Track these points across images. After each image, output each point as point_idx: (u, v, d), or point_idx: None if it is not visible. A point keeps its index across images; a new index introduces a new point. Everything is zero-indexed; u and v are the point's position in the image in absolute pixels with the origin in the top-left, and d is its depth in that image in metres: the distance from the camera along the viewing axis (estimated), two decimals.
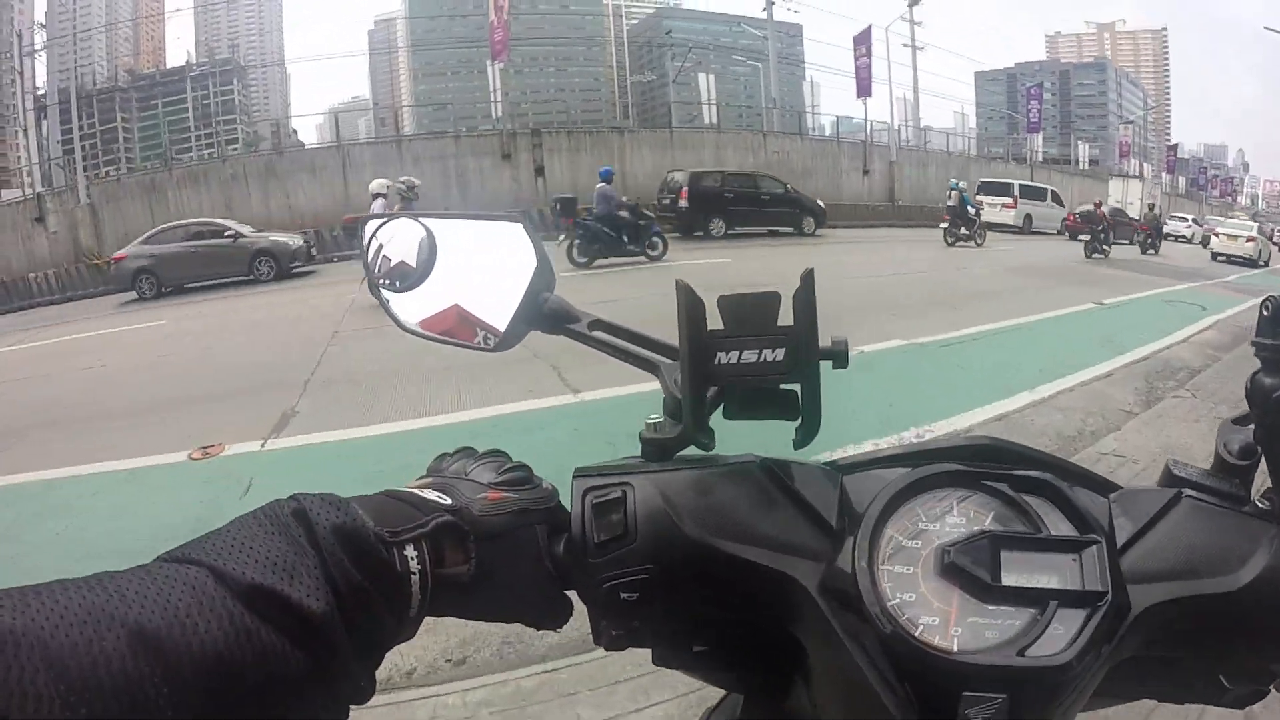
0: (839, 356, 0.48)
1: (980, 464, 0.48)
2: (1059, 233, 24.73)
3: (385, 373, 6.29)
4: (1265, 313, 0.46)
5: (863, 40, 31.99)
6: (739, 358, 0.46)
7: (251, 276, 15.54)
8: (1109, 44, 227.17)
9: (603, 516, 0.47)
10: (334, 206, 21.43)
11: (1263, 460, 0.47)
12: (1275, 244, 23.63)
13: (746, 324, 0.46)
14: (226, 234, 15.88)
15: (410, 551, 0.41)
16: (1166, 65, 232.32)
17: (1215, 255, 20.81)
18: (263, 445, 4.70)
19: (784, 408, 0.48)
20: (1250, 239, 21.04)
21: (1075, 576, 0.42)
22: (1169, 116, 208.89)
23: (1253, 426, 0.47)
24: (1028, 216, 25.39)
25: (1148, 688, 0.50)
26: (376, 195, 11.18)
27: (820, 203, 20.60)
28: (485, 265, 0.57)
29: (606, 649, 0.49)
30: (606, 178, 13.68)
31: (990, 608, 0.42)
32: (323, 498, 0.40)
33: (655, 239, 13.55)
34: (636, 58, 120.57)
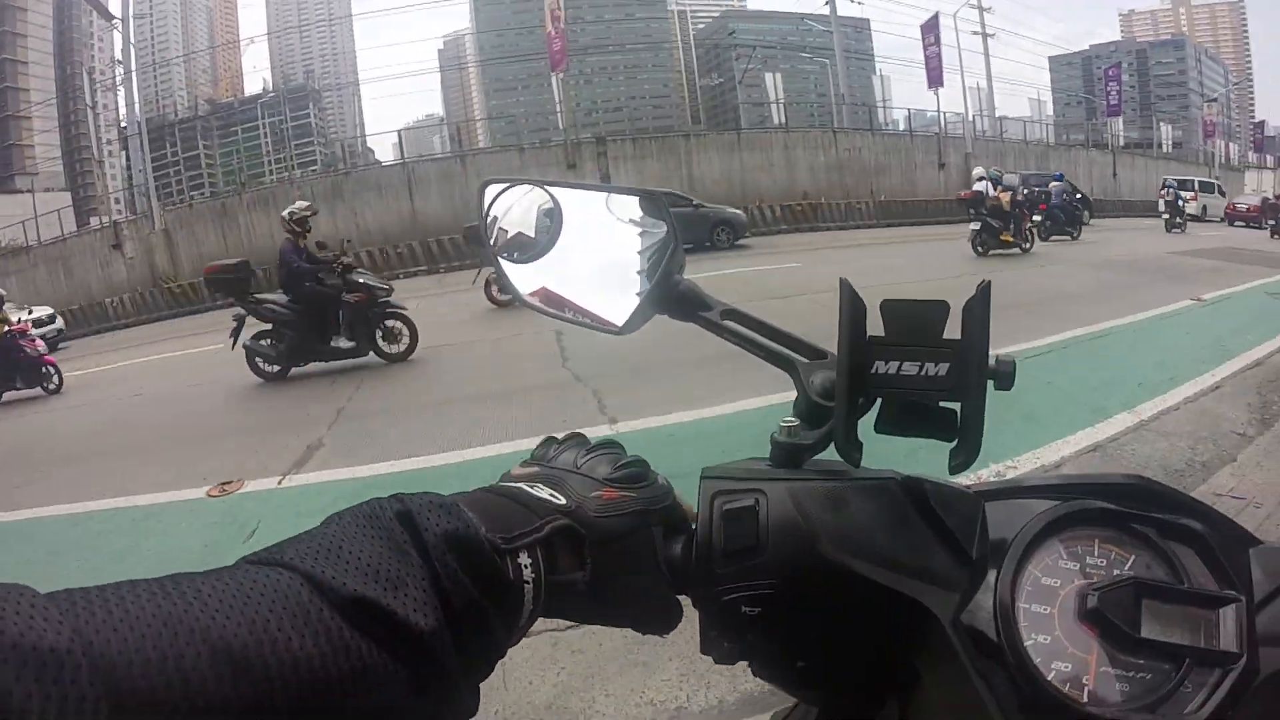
0: (1004, 378, 0.45)
1: (1127, 504, 0.46)
2: (1221, 220, 26.82)
3: (418, 405, 5.98)
4: None
5: (930, 29, 30.72)
6: (899, 368, 0.44)
7: None
8: (1185, 19, 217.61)
9: (733, 524, 0.44)
10: (401, 224, 21.53)
11: None
12: None
13: (910, 333, 0.44)
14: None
15: (525, 559, 0.38)
16: (1246, 37, 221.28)
17: None
18: (280, 482, 4.44)
19: (941, 427, 0.45)
20: None
21: (1212, 634, 0.40)
22: (1252, 93, 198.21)
23: None
24: (1204, 207, 27.90)
25: None
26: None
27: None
28: (614, 241, 0.54)
29: (716, 661, 0.46)
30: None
31: (1126, 659, 0.40)
32: (429, 499, 0.37)
33: None
34: (704, 61, 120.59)
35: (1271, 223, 20.75)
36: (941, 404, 0.45)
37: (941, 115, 28.73)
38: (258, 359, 7.54)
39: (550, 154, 23.97)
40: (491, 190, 0.59)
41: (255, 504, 4.13)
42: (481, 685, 0.37)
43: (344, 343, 7.56)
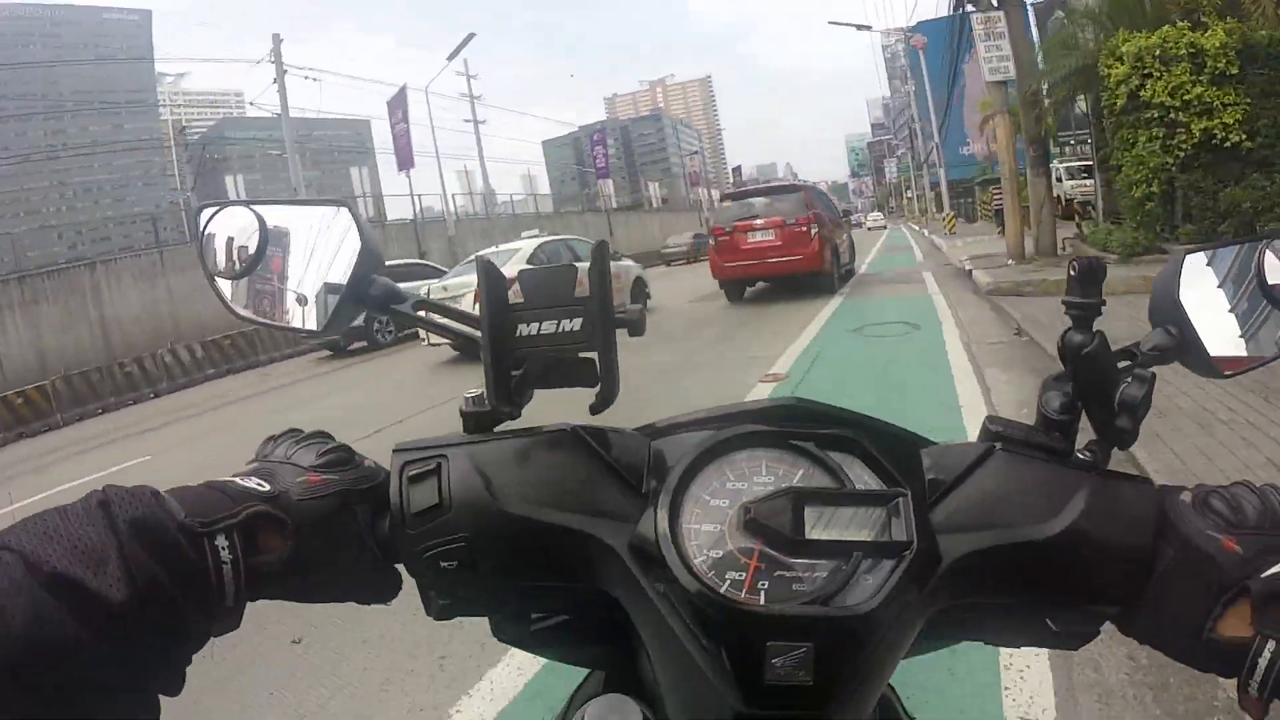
0: (634, 325, 0.51)
1: (787, 424, 0.50)
2: None
3: None
4: (1072, 273, 0.49)
5: (398, 104, 28.85)
6: (539, 329, 0.49)
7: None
8: (661, 96, 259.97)
9: (416, 487, 0.47)
10: None
11: (1084, 415, 0.49)
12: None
13: (546, 296, 0.50)
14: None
15: (221, 541, 0.41)
16: (715, 106, 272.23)
17: None
18: None
19: (583, 375, 0.51)
20: None
21: (882, 529, 0.43)
22: (723, 148, 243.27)
23: (1070, 385, 0.49)
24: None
25: (977, 632, 0.51)
26: None
27: None
28: (314, 249, 0.58)
29: (435, 619, 0.50)
30: None
31: (794, 561, 0.43)
32: (130, 490, 0.39)
33: None
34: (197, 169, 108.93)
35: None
36: (581, 355, 0.50)
37: (415, 199, 26.92)
38: None
39: None
40: (206, 213, 0.61)
41: None
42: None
43: None
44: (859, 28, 23.67)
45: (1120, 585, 0.45)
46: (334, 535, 0.46)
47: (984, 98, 32.51)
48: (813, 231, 11.59)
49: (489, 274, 0.49)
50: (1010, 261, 12.52)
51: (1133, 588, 0.45)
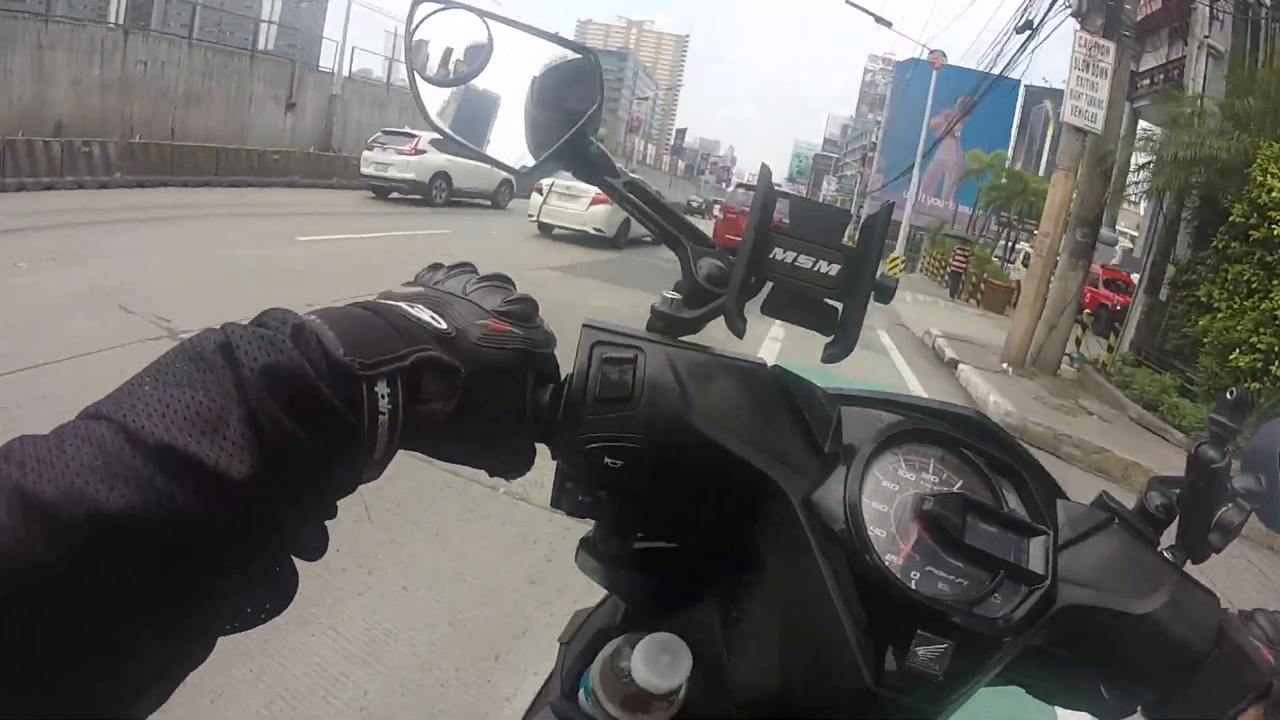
0: (885, 291, 0.50)
1: (966, 434, 0.50)
2: None
3: None
4: (1229, 396, 0.50)
5: None
6: (795, 259, 0.49)
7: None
8: (635, 39, 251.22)
9: (610, 373, 0.46)
10: None
11: (1175, 522, 0.51)
12: None
13: (812, 231, 0.49)
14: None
15: (383, 388, 0.35)
16: (683, 66, 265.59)
17: None
18: None
19: (822, 321, 0.50)
20: None
21: (1022, 557, 0.45)
22: (675, 108, 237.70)
23: (1178, 491, 0.51)
24: None
25: (1030, 679, 0.52)
26: None
27: None
28: (541, 87, 0.55)
29: (567, 513, 0.48)
30: None
31: (949, 561, 0.45)
32: (257, 330, 0.33)
33: None
34: None
35: None
36: (826, 300, 0.49)
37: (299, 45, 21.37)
38: None
39: None
40: (422, 9, 0.55)
41: None
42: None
43: None
44: (878, 20, 20.18)
45: (1171, 676, 0.47)
46: (501, 395, 0.43)
47: (973, 150, 31.06)
48: None
49: (767, 186, 0.49)
50: (1006, 367, 9.43)
51: (1179, 681, 0.47)
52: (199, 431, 0.29)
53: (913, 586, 0.43)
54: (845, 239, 0.50)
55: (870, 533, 0.44)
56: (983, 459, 0.49)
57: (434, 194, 15.74)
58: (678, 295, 0.51)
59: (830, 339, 0.50)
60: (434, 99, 0.55)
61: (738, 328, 0.49)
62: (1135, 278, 20.66)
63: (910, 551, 0.44)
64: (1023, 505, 0.48)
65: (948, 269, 20.86)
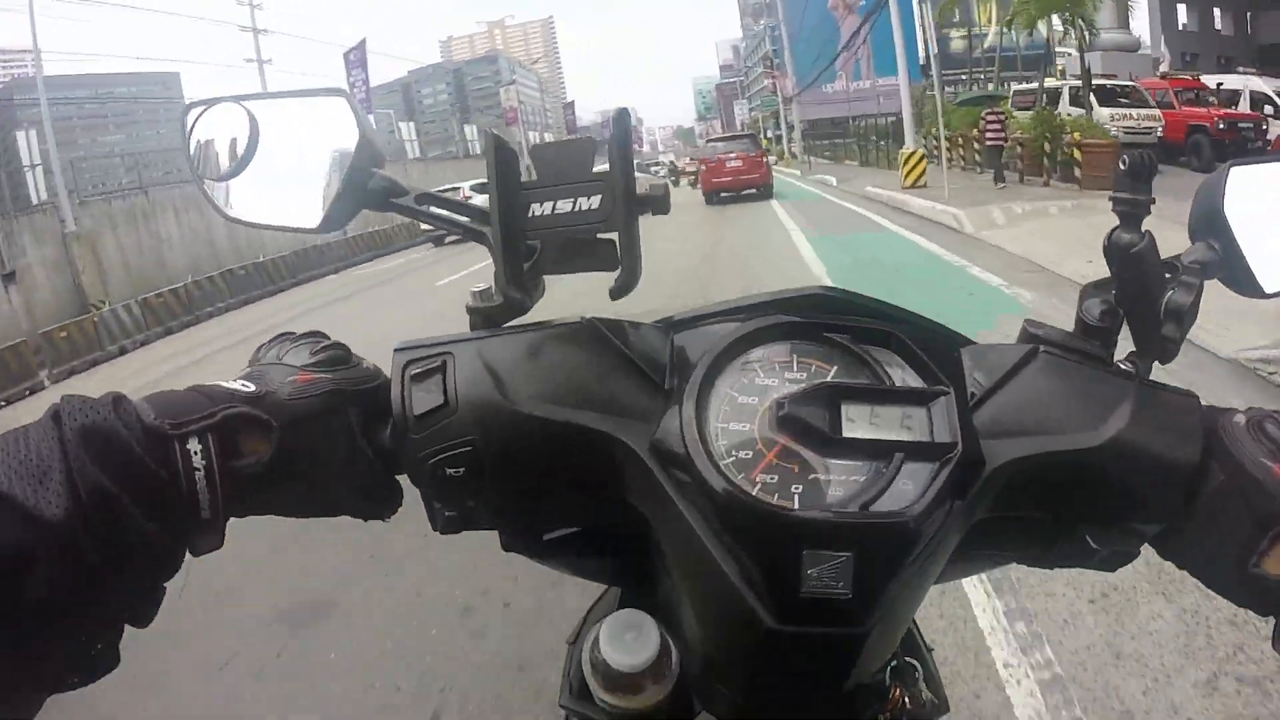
0: (659, 203, 0.47)
1: (820, 315, 0.46)
2: None
3: None
4: (1123, 167, 0.46)
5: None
6: (554, 208, 0.46)
7: None
8: (501, 39, 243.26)
9: (419, 387, 0.44)
10: None
11: (1125, 325, 0.47)
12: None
13: (560, 173, 0.46)
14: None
15: (194, 445, 0.37)
16: (556, 48, 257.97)
17: None
18: None
19: (602, 258, 0.47)
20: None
21: (924, 429, 0.41)
22: (564, 91, 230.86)
23: (1114, 291, 0.47)
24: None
25: (1011, 552, 0.49)
26: None
27: None
28: (310, 144, 0.54)
29: (441, 533, 0.47)
30: None
31: (831, 462, 0.40)
32: (88, 398, 0.36)
33: None
34: None
35: None
36: (599, 235, 0.46)
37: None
38: None
39: None
40: (193, 113, 0.56)
41: None
42: None
43: None
44: None
45: (1164, 502, 0.43)
46: (323, 439, 0.42)
47: None
48: (764, 160, 19.29)
49: (499, 148, 0.44)
50: None
51: (1176, 505, 0.43)
52: (23, 479, 0.32)
53: (796, 502, 0.39)
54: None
55: (733, 459, 0.40)
56: (847, 335, 0.44)
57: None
58: (485, 285, 0.50)
59: (617, 273, 0.46)
60: (226, 194, 0.56)
61: (522, 305, 0.48)
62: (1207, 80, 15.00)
63: (781, 465, 0.40)
64: (913, 371, 0.43)
65: (983, 144, 14.72)
